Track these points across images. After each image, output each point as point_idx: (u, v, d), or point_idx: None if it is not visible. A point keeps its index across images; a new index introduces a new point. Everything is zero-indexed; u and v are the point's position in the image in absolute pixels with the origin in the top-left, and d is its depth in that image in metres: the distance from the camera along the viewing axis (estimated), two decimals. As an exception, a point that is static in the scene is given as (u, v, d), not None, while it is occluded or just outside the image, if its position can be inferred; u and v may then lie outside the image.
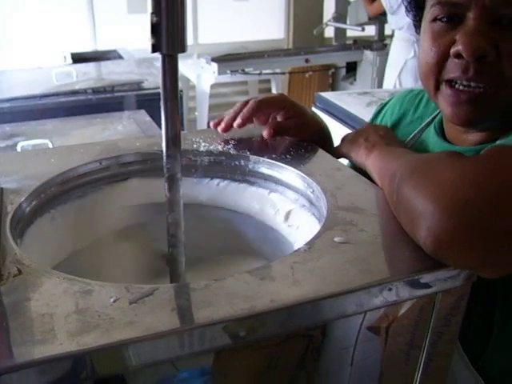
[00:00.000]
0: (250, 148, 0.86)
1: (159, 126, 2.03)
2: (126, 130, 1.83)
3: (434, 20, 0.73)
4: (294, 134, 0.89)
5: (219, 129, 0.89)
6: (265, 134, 0.87)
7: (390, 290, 0.56)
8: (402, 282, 0.57)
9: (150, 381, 0.53)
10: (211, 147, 0.86)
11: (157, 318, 0.48)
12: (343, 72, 4.14)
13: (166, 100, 0.64)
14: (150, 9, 0.59)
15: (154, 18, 0.59)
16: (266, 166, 0.83)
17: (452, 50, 0.70)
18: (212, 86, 3.61)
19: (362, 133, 0.85)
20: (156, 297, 0.51)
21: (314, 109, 2.59)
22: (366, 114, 2.29)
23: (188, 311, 0.50)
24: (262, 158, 0.83)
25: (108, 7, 3.86)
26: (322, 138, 0.94)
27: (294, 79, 4.21)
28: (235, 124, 0.88)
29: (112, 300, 0.50)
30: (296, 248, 0.77)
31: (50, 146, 1.66)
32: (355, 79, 3.97)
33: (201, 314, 0.49)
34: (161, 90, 0.63)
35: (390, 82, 3.27)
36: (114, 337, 0.46)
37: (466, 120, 0.73)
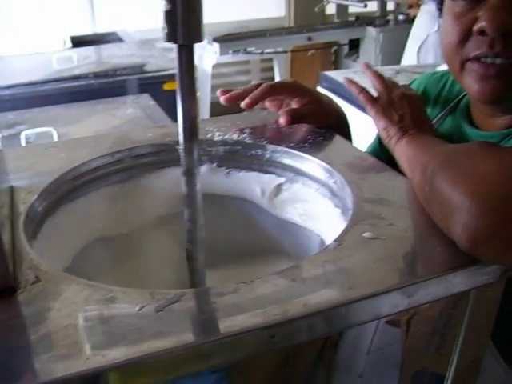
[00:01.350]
0: (265, 136, 0.83)
1: (164, 109, 1.99)
2: (132, 116, 1.80)
3: (457, 0, 0.71)
4: (312, 120, 0.85)
5: (222, 98, 0.86)
6: (282, 121, 0.84)
7: (426, 288, 0.54)
8: (437, 280, 0.54)
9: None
10: (226, 136, 0.83)
11: (186, 328, 0.46)
12: (346, 49, 4.08)
13: (183, 92, 0.61)
14: (162, -5, 0.56)
15: (168, 5, 0.56)
16: (285, 156, 0.80)
17: (475, 28, 0.68)
18: (214, 67, 3.56)
19: (398, 106, 0.79)
20: (183, 303, 0.49)
21: (319, 88, 2.55)
22: (372, 92, 2.24)
23: (218, 319, 0.47)
24: (279, 147, 0.80)
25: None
26: (339, 123, 0.91)
27: (297, 58, 4.15)
28: (243, 104, 0.85)
29: (137, 308, 0.48)
30: (320, 240, 0.75)
31: (55, 134, 1.63)
32: (358, 56, 3.91)
33: (232, 322, 0.46)
34: (177, 82, 0.60)
35: (409, 57, 3.14)
36: (143, 349, 0.43)
37: (493, 96, 0.71)
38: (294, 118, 0.84)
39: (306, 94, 0.87)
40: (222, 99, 0.86)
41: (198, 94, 3.74)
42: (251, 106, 0.85)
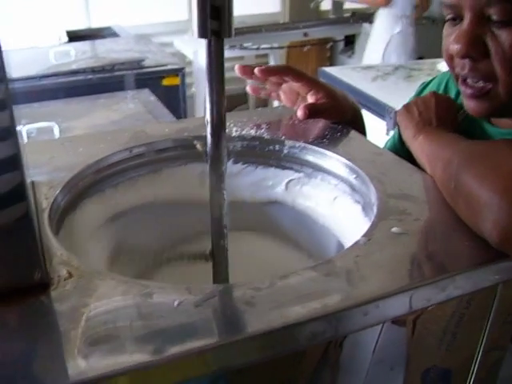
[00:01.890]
0: (283, 132, 0.83)
1: (164, 105, 1.98)
2: (133, 111, 1.78)
3: (448, 21, 0.74)
4: (328, 115, 0.85)
5: (238, 69, 0.87)
6: (299, 114, 0.83)
7: (456, 282, 0.54)
8: (468, 275, 0.55)
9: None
10: (243, 132, 0.83)
11: (228, 323, 0.46)
12: (341, 45, 4.08)
13: (212, 85, 0.60)
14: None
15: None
16: (304, 151, 0.80)
17: (449, 51, 0.72)
18: (209, 62, 3.54)
19: (421, 103, 0.81)
20: (221, 298, 0.48)
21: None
22: (371, 89, 2.25)
23: (259, 313, 0.47)
24: (298, 143, 0.80)
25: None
26: (355, 119, 0.91)
27: (292, 53, 4.14)
28: (257, 69, 0.86)
29: (176, 303, 0.47)
30: (339, 236, 0.75)
31: (56, 128, 1.62)
32: (353, 52, 3.90)
33: (273, 316, 0.46)
34: (206, 74, 0.60)
35: (373, 57, 3.14)
36: (188, 344, 0.43)
37: (484, 112, 0.73)
38: (312, 112, 0.84)
39: (321, 88, 0.87)
40: (237, 70, 0.87)
41: (194, 90, 3.74)
42: (265, 73, 0.87)
